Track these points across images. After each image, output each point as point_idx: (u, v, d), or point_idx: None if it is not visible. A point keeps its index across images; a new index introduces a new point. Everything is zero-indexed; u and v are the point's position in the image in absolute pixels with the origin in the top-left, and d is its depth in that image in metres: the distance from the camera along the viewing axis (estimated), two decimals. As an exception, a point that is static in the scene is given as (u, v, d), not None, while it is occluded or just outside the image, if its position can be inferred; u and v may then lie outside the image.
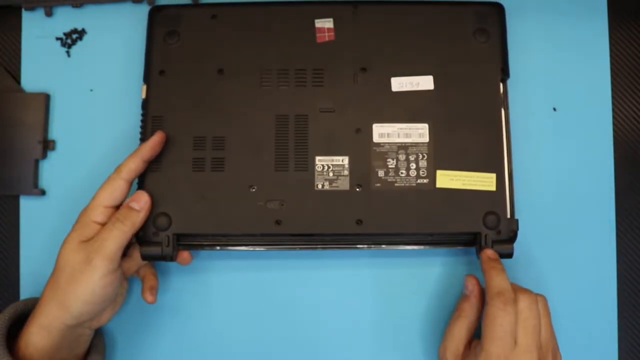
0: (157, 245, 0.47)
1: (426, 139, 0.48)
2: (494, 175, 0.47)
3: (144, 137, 0.48)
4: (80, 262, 0.44)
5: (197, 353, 0.51)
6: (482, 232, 0.47)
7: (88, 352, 0.48)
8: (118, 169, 0.46)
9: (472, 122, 0.48)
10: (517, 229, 0.47)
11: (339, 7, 0.50)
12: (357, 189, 0.48)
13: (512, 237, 0.47)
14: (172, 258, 0.47)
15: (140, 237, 0.47)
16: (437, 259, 0.51)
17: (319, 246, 0.49)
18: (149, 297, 0.48)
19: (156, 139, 0.47)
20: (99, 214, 0.46)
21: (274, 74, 0.49)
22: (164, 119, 0.48)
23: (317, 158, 0.48)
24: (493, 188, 0.47)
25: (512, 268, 0.50)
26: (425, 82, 0.48)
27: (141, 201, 0.46)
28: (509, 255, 0.47)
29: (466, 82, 0.49)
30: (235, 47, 0.50)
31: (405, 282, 0.51)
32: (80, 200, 0.50)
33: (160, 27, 0.50)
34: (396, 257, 0.51)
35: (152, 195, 0.47)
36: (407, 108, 0.48)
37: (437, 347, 0.48)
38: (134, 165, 0.46)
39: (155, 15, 0.50)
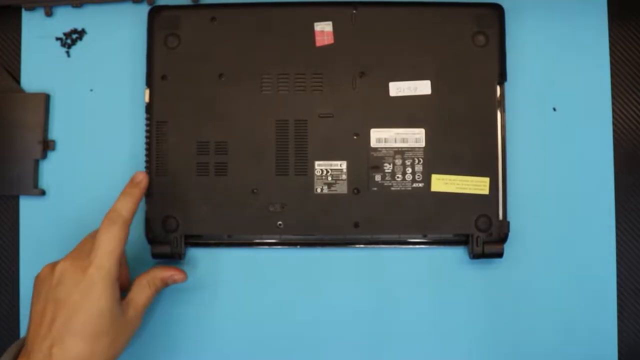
0: (166, 245, 0.55)
1: (422, 144, 0.55)
2: (487, 179, 0.55)
3: (150, 142, 0.55)
4: (121, 330, 0.49)
5: (196, 351, 0.57)
6: (474, 234, 0.55)
7: None
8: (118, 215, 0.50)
9: (468, 126, 0.55)
10: (508, 230, 0.55)
11: (338, 9, 0.56)
12: (355, 193, 0.55)
13: (503, 239, 0.55)
14: (180, 257, 0.55)
15: (150, 237, 0.55)
16: (431, 256, 0.57)
17: (317, 246, 0.57)
18: None
19: (144, 182, 0.53)
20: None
21: (274, 78, 0.56)
22: (168, 124, 0.55)
23: (317, 163, 0.55)
24: (486, 192, 0.55)
25: (512, 269, 0.57)
26: (422, 87, 0.55)
27: None
28: (499, 255, 0.55)
29: (463, 86, 0.56)
30: (235, 51, 0.56)
31: (402, 278, 0.57)
32: (80, 201, 0.57)
33: (161, 30, 0.56)
34: (392, 253, 0.57)
35: (160, 199, 0.55)
36: (404, 113, 0.55)
37: (435, 344, 0.56)
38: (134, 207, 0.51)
39: (155, 17, 0.56)
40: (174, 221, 0.55)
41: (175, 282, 0.54)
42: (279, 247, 0.57)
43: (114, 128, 0.58)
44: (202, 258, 0.57)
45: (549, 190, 0.57)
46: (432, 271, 0.57)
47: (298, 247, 0.57)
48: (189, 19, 0.57)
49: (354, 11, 0.56)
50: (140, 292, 0.52)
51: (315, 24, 0.56)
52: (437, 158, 0.55)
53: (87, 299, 0.47)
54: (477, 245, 0.55)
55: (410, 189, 0.55)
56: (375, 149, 0.55)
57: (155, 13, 0.57)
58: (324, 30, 0.56)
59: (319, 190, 0.55)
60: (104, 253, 0.48)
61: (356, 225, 0.55)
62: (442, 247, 0.57)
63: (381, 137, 0.55)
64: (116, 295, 0.48)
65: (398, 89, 0.55)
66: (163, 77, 0.56)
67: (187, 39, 0.56)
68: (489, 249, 0.55)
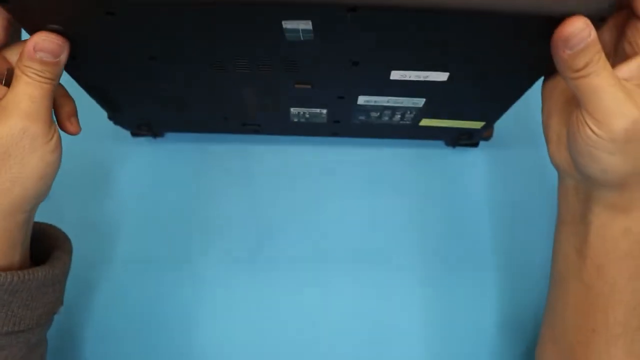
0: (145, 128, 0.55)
1: (420, 105, 0.45)
2: (482, 123, 0.49)
3: None
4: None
5: (194, 349, 0.54)
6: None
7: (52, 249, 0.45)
8: None
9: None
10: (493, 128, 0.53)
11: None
12: (335, 122, 0.50)
13: (486, 138, 0.54)
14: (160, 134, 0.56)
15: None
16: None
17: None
18: (71, 128, 0.43)
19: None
20: None
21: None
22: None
23: (292, 109, 0.47)
24: (479, 127, 0.50)
25: (512, 270, 0.54)
26: (436, 77, 0.40)
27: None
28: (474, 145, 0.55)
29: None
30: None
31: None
32: (80, 200, 0.56)
33: None
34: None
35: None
36: (404, 89, 0.43)
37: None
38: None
39: None
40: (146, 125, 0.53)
41: (62, 119, 0.42)
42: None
43: (113, 127, 0.55)
44: (194, 254, 0.55)
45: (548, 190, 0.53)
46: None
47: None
48: None
49: (354, 12, 0.34)
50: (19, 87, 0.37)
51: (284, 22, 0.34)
52: (434, 111, 0.47)
53: None
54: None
55: (396, 124, 0.49)
56: (363, 105, 0.46)
57: None
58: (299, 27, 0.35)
59: (295, 120, 0.49)
60: None
61: (335, 122, 0.50)
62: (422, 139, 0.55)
63: (371, 99, 0.44)
64: None
65: (402, 75, 0.40)
66: None
67: None
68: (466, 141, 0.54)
